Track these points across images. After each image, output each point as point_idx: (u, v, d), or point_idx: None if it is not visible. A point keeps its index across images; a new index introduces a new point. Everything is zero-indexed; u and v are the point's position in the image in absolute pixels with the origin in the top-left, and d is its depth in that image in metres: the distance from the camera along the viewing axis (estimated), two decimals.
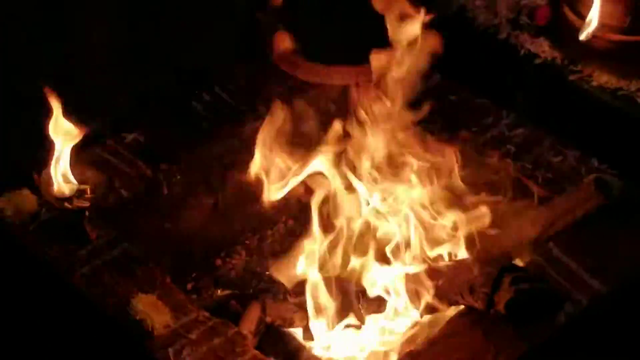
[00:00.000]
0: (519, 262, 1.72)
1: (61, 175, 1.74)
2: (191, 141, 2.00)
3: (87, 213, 1.76)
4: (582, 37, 2.18)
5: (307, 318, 1.71)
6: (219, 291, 1.84)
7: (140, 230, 1.86)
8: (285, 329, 1.76)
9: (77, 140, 1.74)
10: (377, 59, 1.78)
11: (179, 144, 1.99)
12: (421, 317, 1.71)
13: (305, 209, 1.78)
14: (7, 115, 2.04)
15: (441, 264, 1.73)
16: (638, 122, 2.12)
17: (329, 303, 1.69)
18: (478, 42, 2.36)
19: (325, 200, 1.76)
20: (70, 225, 1.76)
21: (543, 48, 2.27)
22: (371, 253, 1.77)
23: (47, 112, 1.72)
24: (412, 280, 1.70)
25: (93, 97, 2.08)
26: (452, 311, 1.68)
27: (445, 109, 1.99)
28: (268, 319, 1.78)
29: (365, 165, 1.78)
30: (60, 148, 1.73)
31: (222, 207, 1.98)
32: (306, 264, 1.78)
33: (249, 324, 1.76)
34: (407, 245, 1.76)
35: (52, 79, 1.90)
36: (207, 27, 2.29)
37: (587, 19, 2.17)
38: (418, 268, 1.72)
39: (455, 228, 1.77)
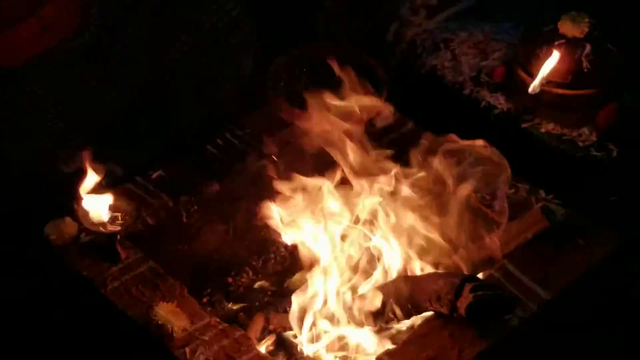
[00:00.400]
0: (479, 275, 1.72)
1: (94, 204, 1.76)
2: (206, 178, 2.00)
3: (118, 237, 1.77)
4: (531, 91, 2.20)
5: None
6: (229, 304, 1.84)
7: (163, 252, 1.86)
8: (285, 333, 1.77)
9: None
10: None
11: (196, 180, 1.99)
12: (399, 322, 1.71)
13: None
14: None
15: (414, 276, 1.72)
16: (578, 160, 2.13)
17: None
18: (446, 96, 2.36)
19: None
20: (104, 247, 1.77)
21: (500, 101, 2.28)
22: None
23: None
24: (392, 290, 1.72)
25: (126, 143, 2.12)
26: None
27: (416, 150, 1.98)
28: (271, 327, 1.80)
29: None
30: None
31: (232, 233, 1.99)
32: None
33: (254, 331, 1.77)
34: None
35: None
36: (219, 86, 2.31)
37: (535, 77, 2.19)
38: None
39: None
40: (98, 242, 1.79)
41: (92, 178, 1.75)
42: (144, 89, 2.23)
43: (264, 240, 2.00)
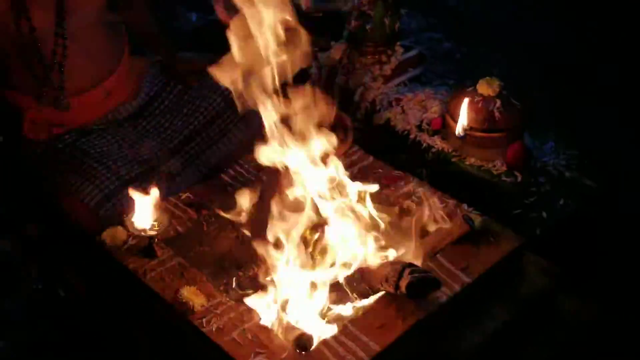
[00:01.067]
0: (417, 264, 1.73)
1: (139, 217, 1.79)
2: (221, 198, 2.00)
3: (155, 239, 1.80)
4: (458, 135, 2.23)
5: None
6: (239, 291, 1.82)
7: (188, 252, 1.86)
8: None
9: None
10: None
11: (214, 200, 2.00)
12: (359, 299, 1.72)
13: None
14: None
15: (369, 266, 1.73)
16: (492, 184, 2.17)
17: None
18: (397, 140, 2.39)
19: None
20: (145, 247, 1.80)
21: (436, 142, 2.31)
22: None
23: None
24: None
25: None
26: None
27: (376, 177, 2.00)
28: None
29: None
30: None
31: (241, 239, 1.96)
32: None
33: None
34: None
35: None
36: (232, 137, 2.29)
37: (462, 122, 2.22)
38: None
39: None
40: (140, 244, 1.81)
41: (139, 202, 1.79)
42: (173, 140, 2.25)
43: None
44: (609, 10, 3.24)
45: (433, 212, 1.87)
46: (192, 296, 1.65)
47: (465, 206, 1.93)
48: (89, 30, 2.11)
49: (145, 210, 1.79)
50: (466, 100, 2.21)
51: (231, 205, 1.94)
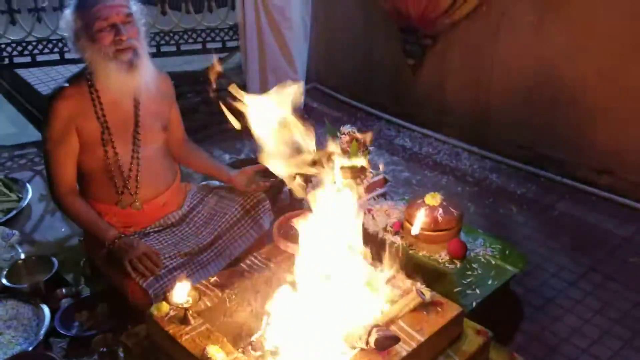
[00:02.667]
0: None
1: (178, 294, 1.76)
2: (239, 281, 1.95)
3: (189, 311, 1.73)
4: (413, 233, 2.20)
5: None
6: (252, 352, 1.75)
7: (214, 321, 1.80)
8: None
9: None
10: None
11: (234, 282, 1.95)
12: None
13: None
14: None
15: None
16: (438, 270, 2.13)
17: None
18: (369, 238, 2.31)
19: None
20: (182, 316, 1.73)
21: (397, 240, 2.28)
22: None
23: None
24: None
25: (198, 266, 2.10)
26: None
27: None
28: None
29: None
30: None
31: (255, 313, 1.93)
32: None
33: None
34: None
35: None
36: (247, 238, 2.28)
37: (416, 225, 2.21)
38: None
39: None
40: (179, 314, 1.75)
41: (178, 284, 1.76)
42: (205, 240, 2.23)
43: None
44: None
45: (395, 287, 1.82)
46: (216, 353, 1.59)
47: (419, 284, 1.88)
48: (155, 155, 2.19)
49: (182, 290, 1.76)
50: (418, 209, 2.21)
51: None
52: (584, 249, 2.59)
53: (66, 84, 2.05)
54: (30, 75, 4.23)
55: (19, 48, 3.74)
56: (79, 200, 2.11)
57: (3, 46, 3.73)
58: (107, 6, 1.90)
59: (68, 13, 1.97)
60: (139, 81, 2.02)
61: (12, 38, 3.72)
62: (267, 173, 2.62)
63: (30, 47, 3.75)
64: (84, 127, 2.04)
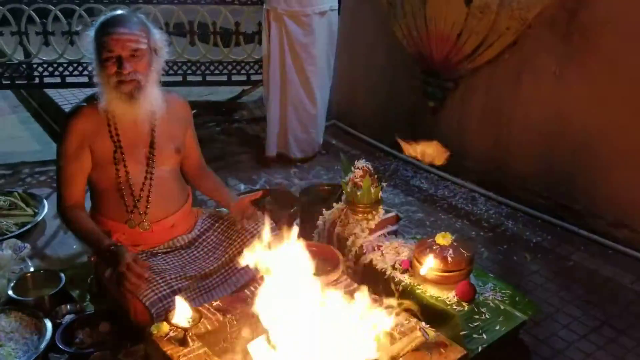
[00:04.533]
0: None
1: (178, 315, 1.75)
2: (242, 307, 1.95)
3: (189, 333, 1.74)
4: (422, 273, 2.20)
5: None
6: None
7: (213, 344, 1.79)
8: None
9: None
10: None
11: (237, 308, 1.94)
12: None
13: None
14: None
15: None
16: (445, 311, 2.08)
17: None
18: (377, 275, 2.31)
19: None
20: (181, 338, 1.74)
21: (405, 278, 2.24)
22: None
23: None
24: None
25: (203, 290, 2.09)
26: None
27: None
28: None
29: None
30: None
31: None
32: None
33: None
34: None
35: None
36: None
37: (425, 265, 2.19)
38: None
39: None
40: (178, 335, 1.75)
41: (180, 305, 1.77)
42: (212, 265, 2.22)
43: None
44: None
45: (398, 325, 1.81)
46: None
47: (423, 323, 1.87)
48: (167, 176, 2.22)
49: (183, 312, 1.76)
50: (427, 248, 2.20)
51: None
52: (597, 302, 2.53)
53: (83, 103, 2.11)
54: (58, 96, 4.37)
55: (50, 69, 3.87)
56: (81, 212, 2.13)
57: (35, 66, 3.87)
58: (115, 39, 1.94)
59: (90, 34, 2.04)
60: (139, 111, 2.06)
61: (44, 58, 3.86)
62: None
63: (60, 69, 3.88)
64: (97, 145, 2.09)
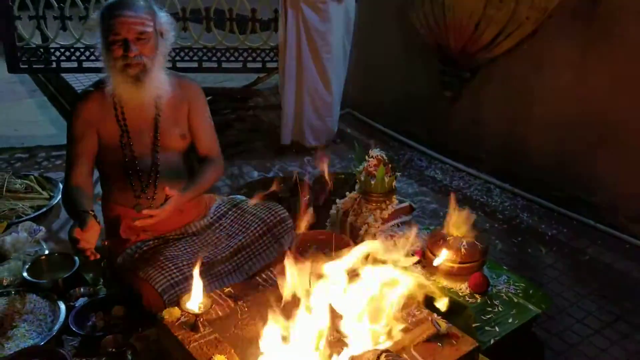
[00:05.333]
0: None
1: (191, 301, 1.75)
2: (253, 294, 1.95)
3: (200, 319, 1.74)
4: (435, 264, 2.19)
5: None
6: None
7: (224, 331, 1.79)
8: None
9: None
10: None
11: (248, 295, 1.94)
12: None
13: None
14: None
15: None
16: (458, 303, 2.06)
17: None
18: None
19: None
20: (192, 323, 1.74)
21: (419, 269, 2.24)
22: None
23: None
24: None
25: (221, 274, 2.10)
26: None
27: None
28: None
29: None
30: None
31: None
32: None
33: None
34: None
35: None
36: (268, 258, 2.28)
37: (438, 256, 2.18)
38: None
39: None
40: (189, 321, 1.76)
41: (193, 289, 1.77)
42: (225, 251, 2.23)
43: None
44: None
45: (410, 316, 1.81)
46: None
47: (435, 315, 1.85)
48: (174, 162, 2.20)
49: (195, 297, 1.76)
50: (441, 239, 2.18)
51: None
52: (612, 296, 2.50)
53: (91, 88, 2.12)
54: (75, 81, 4.39)
55: (67, 53, 3.88)
56: (79, 190, 2.07)
57: (52, 50, 3.88)
58: (122, 22, 1.92)
59: (95, 16, 2.03)
60: (145, 95, 2.05)
61: (61, 43, 3.87)
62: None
63: (77, 54, 3.89)
64: (104, 129, 2.10)
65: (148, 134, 2.14)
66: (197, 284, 1.78)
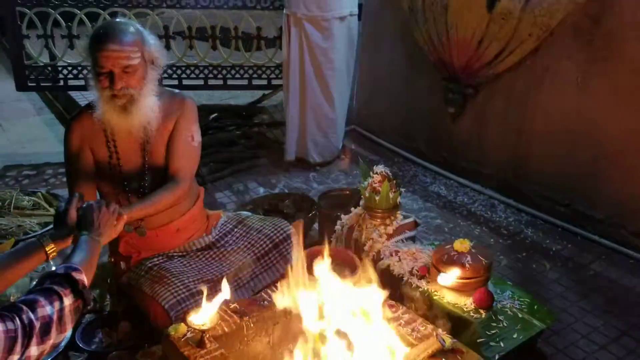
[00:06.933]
0: None
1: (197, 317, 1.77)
2: (258, 310, 1.96)
3: (206, 335, 1.76)
4: (439, 281, 2.19)
5: None
6: None
7: (230, 347, 1.80)
8: None
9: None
10: None
11: (253, 311, 1.95)
12: None
13: None
14: None
15: None
16: (463, 318, 2.06)
17: None
18: (394, 280, 2.29)
19: None
20: (199, 340, 1.75)
21: (423, 284, 2.22)
22: None
23: None
24: None
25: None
26: None
27: None
28: None
29: None
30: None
31: (271, 343, 1.92)
32: None
33: None
34: None
35: None
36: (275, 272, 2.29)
37: (445, 274, 2.18)
38: None
39: None
40: (195, 337, 1.76)
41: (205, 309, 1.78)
42: (230, 268, 2.24)
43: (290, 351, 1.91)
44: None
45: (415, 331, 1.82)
46: None
47: (439, 330, 1.86)
48: (163, 181, 2.14)
49: (202, 313, 1.77)
50: (445, 255, 2.19)
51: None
52: (617, 312, 2.50)
53: (85, 108, 2.12)
54: (82, 98, 4.43)
55: (75, 71, 3.94)
56: None
57: (60, 68, 3.93)
58: (106, 55, 1.89)
59: (84, 44, 2.00)
60: (133, 123, 2.04)
61: (68, 61, 3.93)
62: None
63: (85, 72, 3.94)
64: (95, 149, 2.11)
65: (137, 155, 2.13)
66: (212, 301, 1.79)
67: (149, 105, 2.04)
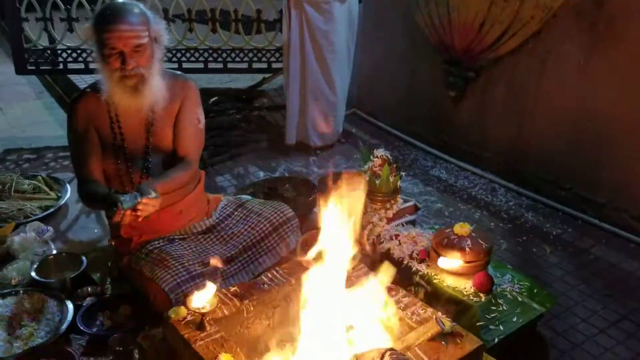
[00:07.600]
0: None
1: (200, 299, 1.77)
2: (259, 293, 1.95)
3: (206, 318, 1.74)
4: (439, 264, 2.19)
5: None
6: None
7: (230, 330, 1.80)
8: None
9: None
10: None
11: (254, 294, 1.95)
12: None
13: None
14: None
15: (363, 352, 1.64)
16: (463, 301, 2.06)
17: None
18: (395, 264, 2.26)
19: None
20: (198, 322, 1.75)
21: (422, 268, 2.22)
22: None
23: None
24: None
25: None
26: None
27: None
28: None
29: None
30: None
31: (272, 325, 1.92)
32: None
33: None
34: None
35: None
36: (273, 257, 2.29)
37: (445, 257, 2.18)
38: None
39: None
40: (195, 320, 1.76)
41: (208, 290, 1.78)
42: (231, 251, 2.25)
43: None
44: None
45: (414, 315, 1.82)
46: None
47: (439, 313, 1.85)
48: (168, 163, 2.18)
49: (202, 296, 1.77)
50: (445, 238, 2.19)
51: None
52: (617, 296, 2.49)
53: (88, 89, 2.12)
54: (82, 81, 4.41)
55: (74, 54, 3.91)
56: (94, 183, 2.08)
57: (59, 52, 3.90)
58: (116, 36, 1.89)
59: (88, 26, 1.99)
60: (143, 102, 2.04)
61: (68, 44, 3.89)
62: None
63: (84, 55, 3.91)
64: (99, 129, 2.10)
65: (141, 136, 2.13)
66: (210, 285, 1.78)
67: (157, 84, 2.04)
